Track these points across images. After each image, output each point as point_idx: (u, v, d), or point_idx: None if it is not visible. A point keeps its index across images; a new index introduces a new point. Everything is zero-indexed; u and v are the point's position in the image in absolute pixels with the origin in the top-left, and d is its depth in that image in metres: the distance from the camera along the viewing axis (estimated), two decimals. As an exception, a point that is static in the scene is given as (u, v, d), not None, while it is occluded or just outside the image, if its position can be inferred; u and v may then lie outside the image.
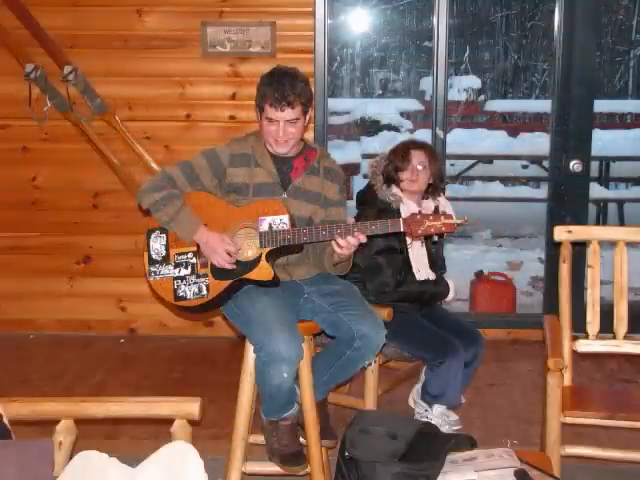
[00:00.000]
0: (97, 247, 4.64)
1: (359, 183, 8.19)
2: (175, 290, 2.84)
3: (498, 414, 3.70)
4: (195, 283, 2.83)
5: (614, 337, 2.97)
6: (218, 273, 2.80)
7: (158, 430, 2.72)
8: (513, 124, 11.21)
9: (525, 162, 9.69)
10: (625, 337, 2.96)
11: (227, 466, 2.85)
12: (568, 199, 4.57)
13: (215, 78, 4.48)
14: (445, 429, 3.21)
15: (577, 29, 4.43)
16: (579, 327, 3.02)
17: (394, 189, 3.40)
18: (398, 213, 3.31)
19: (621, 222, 7.79)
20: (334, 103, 9.99)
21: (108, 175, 4.48)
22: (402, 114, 10.92)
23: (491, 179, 9.27)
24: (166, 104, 4.49)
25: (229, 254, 2.77)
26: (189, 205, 2.82)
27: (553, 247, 3.98)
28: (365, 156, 8.77)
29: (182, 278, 2.83)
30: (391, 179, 3.41)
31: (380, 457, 2.32)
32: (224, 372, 4.03)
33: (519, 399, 3.88)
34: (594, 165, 8.08)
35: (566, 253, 3.00)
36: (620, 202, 8.06)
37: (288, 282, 2.90)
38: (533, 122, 11.05)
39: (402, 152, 3.43)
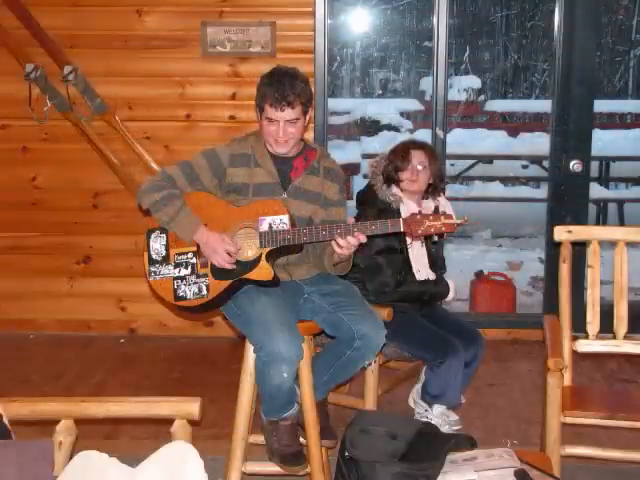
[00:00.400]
0: (97, 247, 4.64)
1: (359, 183, 8.19)
2: (175, 290, 2.84)
3: (498, 414, 3.70)
4: (195, 283, 2.82)
5: (614, 337, 2.97)
6: (218, 273, 2.80)
7: (158, 430, 2.72)
8: (513, 124, 11.19)
9: (525, 162, 9.69)
10: (625, 337, 2.96)
11: (227, 466, 2.85)
12: (568, 199, 4.57)
13: (215, 78, 4.48)
14: (445, 429, 3.21)
15: (577, 29, 4.43)
16: (579, 327, 3.02)
17: (394, 189, 3.40)
18: (398, 213, 3.31)
19: (621, 222, 7.79)
20: (334, 103, 9.98)
21: (108, 175, 4.48)
22: (402, 114, 10.90)
23: (491, 179, 9.26)
24: (166, 104, 4.49)
25: (229, 254, 2.77)
26: (189, 205, 2.82)
27: (553, 247, 3.98)
28: (365, 156, 8.76)
29: (182, 278, 2.83)
30: (391, 179, 3.41)
31: (380, 457, 2.32)
32: (224, 372, 4.02)
33: (519, 399, 3.88)
34: (594, 165, 8.08)
35: (566, 253, 3.00)
36: (620, 202, 8.05)
37: (288, 282, 2.90)
38: (533, 122, 11.04)
39: (402, 152, 3.43)
